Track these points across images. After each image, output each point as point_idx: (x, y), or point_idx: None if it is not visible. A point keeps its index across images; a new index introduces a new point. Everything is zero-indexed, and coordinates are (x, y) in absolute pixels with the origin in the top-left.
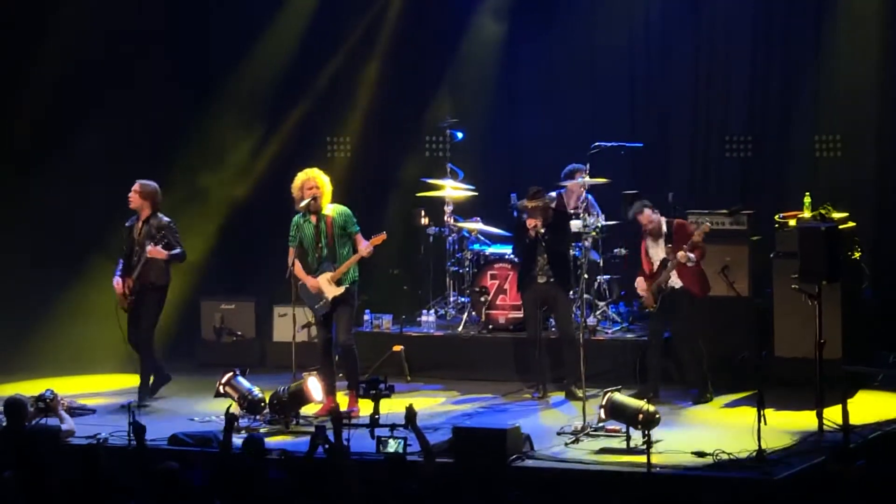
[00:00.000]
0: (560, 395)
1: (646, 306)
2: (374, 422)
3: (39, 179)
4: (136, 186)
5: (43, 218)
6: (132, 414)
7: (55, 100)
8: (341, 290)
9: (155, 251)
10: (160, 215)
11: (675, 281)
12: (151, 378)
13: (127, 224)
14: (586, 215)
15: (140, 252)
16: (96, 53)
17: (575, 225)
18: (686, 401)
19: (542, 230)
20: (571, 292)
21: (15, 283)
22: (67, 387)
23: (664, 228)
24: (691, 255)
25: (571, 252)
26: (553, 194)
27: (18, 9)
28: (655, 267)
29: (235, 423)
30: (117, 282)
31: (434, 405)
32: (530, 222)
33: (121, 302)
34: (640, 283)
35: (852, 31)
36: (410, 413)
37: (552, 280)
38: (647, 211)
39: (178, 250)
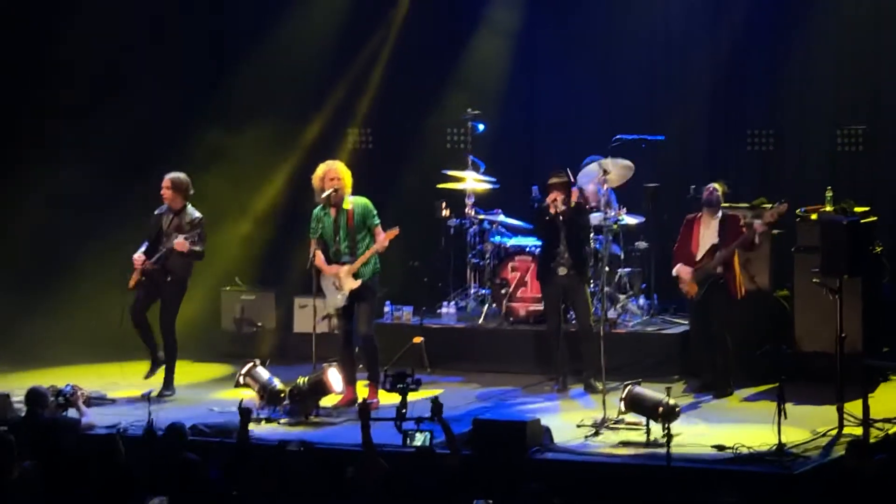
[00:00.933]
0: (580, 388)
1: (688, 294)
2: (400, 415)
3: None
4: (166, 182)
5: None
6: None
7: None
8: (358, 283)
9: (180, 243)
10: (191, 208)
11: (719, 268)
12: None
13: (156, 212)
14: (607, 209)
15: (167, 242)
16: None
17: (595, 217)
18: (706, 394)
19: (563, 207)
20: (591, 284)
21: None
22: (94, 374)
23: (720, 213)
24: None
25: (592, 245)
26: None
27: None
28: (702, 253)
29: (253, 414)
30: (138, 256)
31: (454, 397)
32: (552, 196)
33: (132, 281)
34: (683, 270)
35: (874, 25)
36: (437, 406)
37: (572, 272)
38: (710, 188)
39: (199, 248)
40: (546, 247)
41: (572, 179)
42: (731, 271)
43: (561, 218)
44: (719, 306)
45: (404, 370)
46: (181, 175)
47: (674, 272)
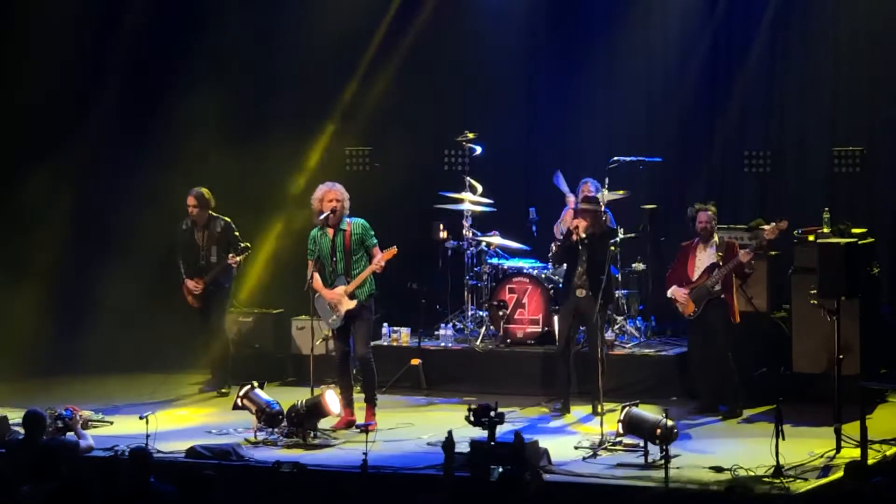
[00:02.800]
0: (585, 410)
1: (686, 313)
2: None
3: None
4: (191, 199)
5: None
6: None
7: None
8: (353, 304)
9: (234, 260)
10: (217, 217)
11: (717, 286)
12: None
13: (183, 227)
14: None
15: (207, 255)
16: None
17: None
18: (704, 416)
19: (584, 235)
20: (608, 308)
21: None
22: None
23: (716, 237)
24: (750, 256)
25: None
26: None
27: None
28: (698, 274)
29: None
30: (190, 285)
31: (452, 419)
32: (575, 221)
33: (193, 302)
34: (677, 292)
35: (871, 45)
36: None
37: (590, 294)
38: (710, 212)
39: (242, 255)
40: (568, 269)
41: (601, 206)
42: (729, 295)
43: (580, 245)
44: (718, 327)
45: (488, 404)
46: (203, 190)
47: (668, 294)
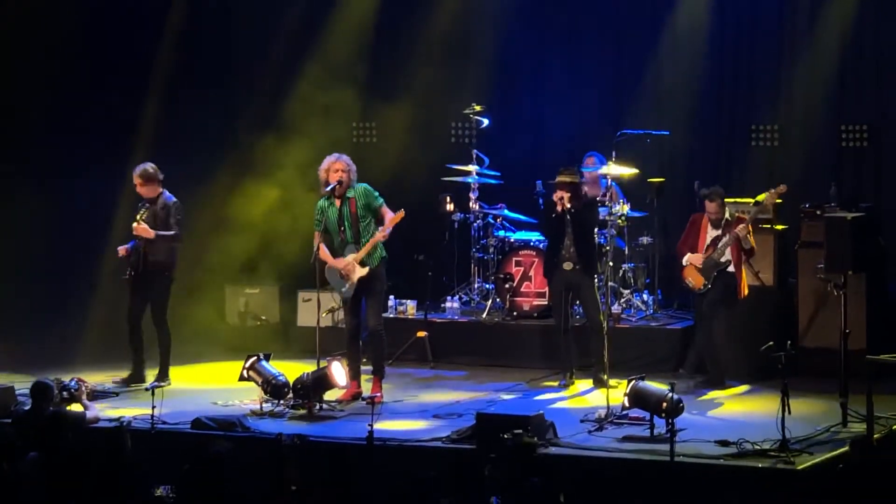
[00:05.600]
0: (588, 384)
1: (696, 287)
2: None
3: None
4: (136, 178)
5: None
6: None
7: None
8: (365, 271)
9: (141, 229)
10: (167, 195)
11: (727, 257)
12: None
13: (140, 207)
14: (612, 203)
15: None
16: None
17: (601, 212)
18: (709, 389)
19: (570, 205)
20: (597, 278)
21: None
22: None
23: (727, 214)
24: (749, 228)
25: (596, 238)
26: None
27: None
28: (705, 246)
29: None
30: (122, 247)
31: (458, 391)
32: (558, 194)
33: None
34: (693, 256)
35: (879, 19)
36: None
37: (577, 267)
38: (718, 201)
39: (171, 232)
40: (552, 242)
41: (580, 180)
42: (738, 270)
43: (568, 216)
44: (720, 297)
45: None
46: (147, 166)
47: (684, 261)
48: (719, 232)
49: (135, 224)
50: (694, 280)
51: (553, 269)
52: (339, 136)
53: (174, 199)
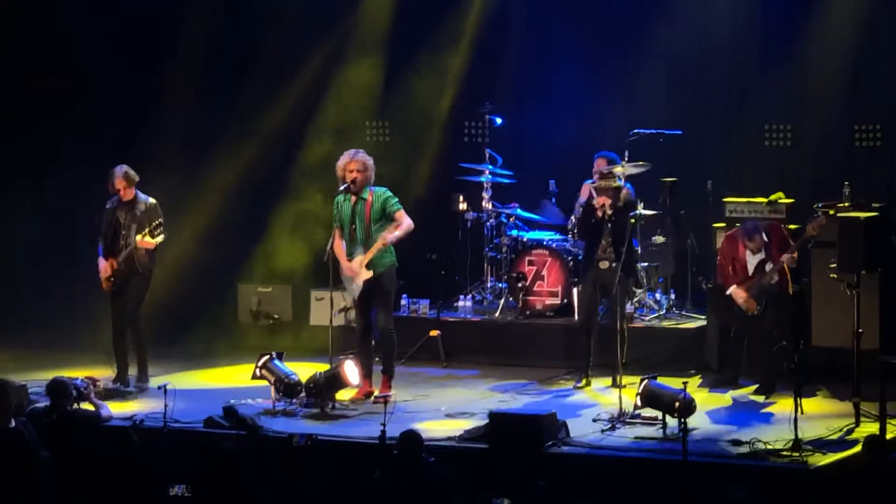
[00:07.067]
0: (604, 383)
1: (748, 311)
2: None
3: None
4: (119, 178)
5: None
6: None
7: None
8: (369, 273)
9: (144, 242)
10: (142, 195)
11: (774, 278)
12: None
13: (108, 206)
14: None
15: (127, 236)
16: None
17: None
18: (715, 388)
19: (611, 211)
20: (631, 280)
21: None
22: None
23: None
24: (794, 256)
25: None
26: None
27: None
28: (751, 270)
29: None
30: (103, 265)
31: (470, 390)
32: (599, 200)
33: (105, 285)
34: (738, 293)
35: (893, 18)
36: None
37: (614, 265)
38: (756, 242)
39: (161, 238)
40: (591, 243)
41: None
42: (783, 277)
43: (608, 220)
44: (777, 315)
45: None
46: (128, 168)
47: (728, 292)
48: (762, 254)
49: (138, 238)
50: (747, 305)
51: (588, 268)
52: (352, 135)
53: (152, 200)
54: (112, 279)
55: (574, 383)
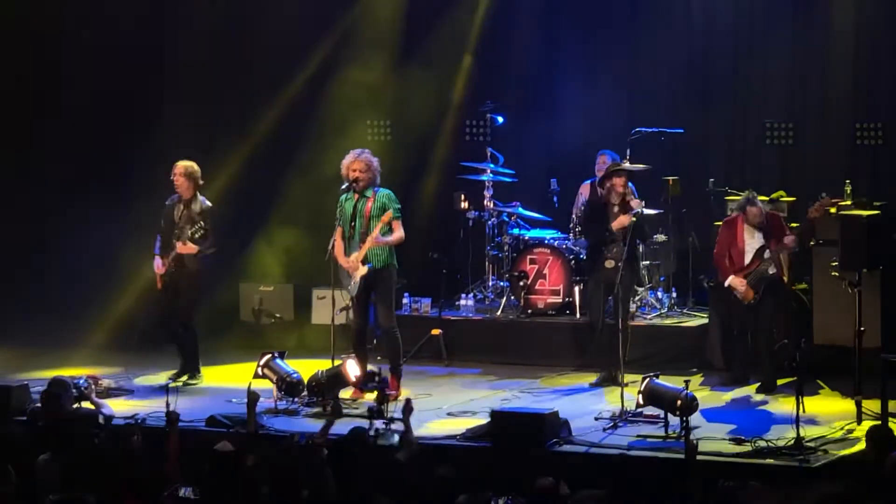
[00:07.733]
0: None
1: (745, 300)
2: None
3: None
4: (179, 169)
5: None
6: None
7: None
8: (365, 270)
9: (185, 248)
10: (202, 198)
11: (771, 268)
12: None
13: (167, 202)
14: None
15: (179, 234)
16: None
17: None
18: (725, 387)
19: (643, 203)
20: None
21: None
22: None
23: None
24: (794, 238)
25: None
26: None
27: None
28: (749, 258)
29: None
30: (157, 263)
31: (472, 389)
32: (634, 203)
33: (159, 281)
34: (737, 281)
35: (894, 18)
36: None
37: (619, 265)
38: (757, 206)
39: (207, 242)
40: (596, 242)
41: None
42: (779, 269)
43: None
44: (775, 306)
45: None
46: (192, 163)
47: (726, 283)
48: (760, 236)
49: (179, 244)
50: (745, 293)
51: (594, 267)
52: (355, 134)
53: (207, 203)
54: (164, 276)
55: (593, 381)
